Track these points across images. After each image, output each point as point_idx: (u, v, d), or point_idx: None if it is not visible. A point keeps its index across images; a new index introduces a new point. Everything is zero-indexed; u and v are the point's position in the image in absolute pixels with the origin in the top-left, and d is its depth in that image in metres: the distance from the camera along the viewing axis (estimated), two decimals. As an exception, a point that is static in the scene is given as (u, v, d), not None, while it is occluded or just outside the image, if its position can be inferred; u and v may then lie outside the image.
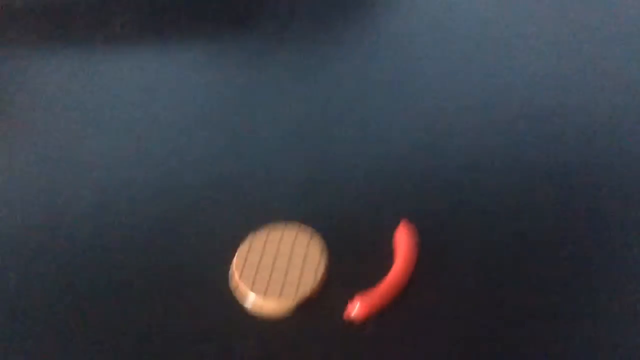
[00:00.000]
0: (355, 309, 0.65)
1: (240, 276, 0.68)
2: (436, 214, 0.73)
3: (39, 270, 0.70)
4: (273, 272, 0.68)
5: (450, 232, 0.71)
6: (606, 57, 0.89)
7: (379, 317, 0.65)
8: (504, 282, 0.67)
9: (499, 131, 0.81)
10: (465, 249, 0.70)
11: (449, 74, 0.89)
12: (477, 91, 0.86)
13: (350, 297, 0.66)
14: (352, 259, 0.70)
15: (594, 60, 0.88)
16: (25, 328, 0.64)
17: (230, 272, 0.69)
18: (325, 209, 0.74)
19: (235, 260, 0.69)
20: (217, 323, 0.66)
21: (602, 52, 0.89)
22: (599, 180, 0.76)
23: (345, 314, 0.65)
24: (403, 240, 0.69)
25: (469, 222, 0.72)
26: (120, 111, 0.86)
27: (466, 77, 0.88)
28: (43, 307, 0.66)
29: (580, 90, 0.85)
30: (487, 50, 0.92)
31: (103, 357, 0.63)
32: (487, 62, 0.90)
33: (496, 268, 0.68)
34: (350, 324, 0.65)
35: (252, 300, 0.67)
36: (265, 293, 0.66)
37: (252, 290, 0.66)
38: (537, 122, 0.82)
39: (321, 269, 0.68)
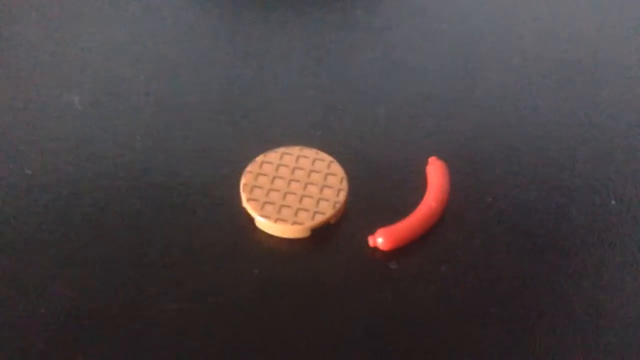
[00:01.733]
0: (380, 240, 0.56)
1: (249, 198, 0.59)
2: (469, 154, 0.65)
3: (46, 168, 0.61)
4: (286, 197, 0.59)
5: (483, 173, 0.63)
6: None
7: (404, 250, 0.57)
8: (538, 223, 0.59)
9: (539, 70, 0.74)
10: (499, 191, 0.62)
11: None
12: (514, 23, 0.79)
13: (374, 227, 0.58)
14: (376, 190, 0.61)
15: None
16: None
17: (240, 192, 0.60)
18: (347, 138, 0.66)
19: (243, 180, 0.60)
20: (226, 242, 0.57)
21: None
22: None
23: (369, 242, 0.57)
24: (436, 174, 0.61)
25: (504, 164, 0.64)
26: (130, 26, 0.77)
27: (502, 6, 0.81)
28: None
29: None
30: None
31: (115, 274, 0.54)
32: None
33: (530, 209, 0.60)
34: (374, 252, 0.57)
35: (262, 225, 0.58)
36: (276, 218, 0.57)
37: (261, 215, 0.58)
38: (579, 63, 0.75)
39: (341, 198, 0.59)
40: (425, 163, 0.63)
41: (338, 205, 0.58)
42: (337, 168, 0.61)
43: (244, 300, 0.54)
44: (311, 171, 0.61)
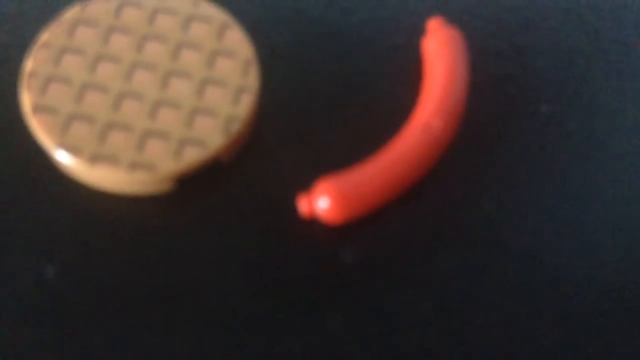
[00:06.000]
0: (324, 202, 0.26)
1: (38, 108, 0.27)
2: (505, 15, 0.34)
3: None
4: (122, 107, 0.27)
5: (531, 54, 0.32)
6: None
7: (373, 224, 0.27)
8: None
9: None
10: (563, 90, 0.31)
11: None
12: None
13: (310, 176, 0.28)
14: (319, 91, 0.30)
15: None
16: None
17: (20, 96, 0.29)
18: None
19: (29, 64, 0.28)
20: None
21: None
22: None
23: (301, 207, 0.27)
24: (441, 56, 0.30)
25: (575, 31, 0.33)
26: None
27: None
28: None
29: None
30: None
31: None
32: None
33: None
34: (308, 227, 0.27)
35: (69, 168, 0.27)
36: (95, 156, 0.26)
37: (62, 146, 0.26)
38: None
39: (244, 108, 0.28)
40: (421, 33, 0.32)
41: (237, 126, 0.27)
42: (238, 40, 0.29)
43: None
44: (180, 47, 0.29)
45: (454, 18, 0.32)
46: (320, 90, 0.30)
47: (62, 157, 0.26)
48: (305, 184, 0.28)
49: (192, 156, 0.26)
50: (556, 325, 0.26)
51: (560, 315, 0.26)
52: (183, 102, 0.28)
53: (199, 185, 0.28)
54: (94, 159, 0.26)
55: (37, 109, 0.27)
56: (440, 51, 0.30)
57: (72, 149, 0.26)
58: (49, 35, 0.28)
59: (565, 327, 0.26)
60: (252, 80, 0.28)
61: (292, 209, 0.27)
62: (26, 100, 0.27)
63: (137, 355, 0.24)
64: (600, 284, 0.27)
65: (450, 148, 0.29)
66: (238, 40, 0.29)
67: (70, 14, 0.29)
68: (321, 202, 0.26)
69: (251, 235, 0.27)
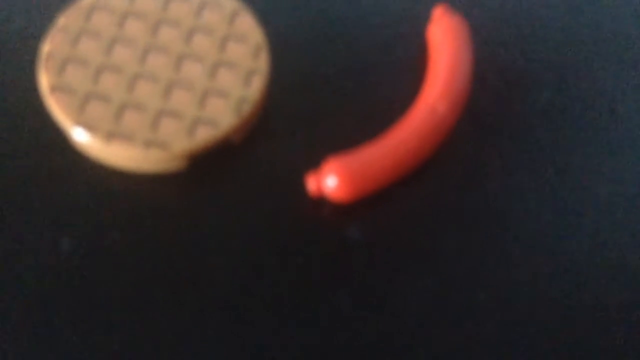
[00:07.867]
0: (332, 181, 0.27)
1: (55, 88, 0.28)
2: (509, 5, 0.34)
3: None
4: (136, 88, 0.28)
5: (536, 40, 0.33)
6: None
7: (378, 203, 0.28)
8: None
9: None
10: (567, 74, 0.32)
11: None
12: None
13: (318, 155, 0.28)
14: (327, 76, 0.31)
15: None
16: None
17: (38, 76, 0.29)
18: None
19: (46, 47, 0.29)
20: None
21: None
22: None
23: (310, 185, 0.28)
24: (446, 43, 0.31)
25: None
26: None
27: None
28: None
29: None
30: None
31: None
32: None
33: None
34: (317, 205, 0.28)
35: (85, 146, 0.28)
36: (111, 134, 0.27)
37: (80, 124, 0.27)
38: None
39: (255, 92, 0.29)
40: (426, 20, 0.33)
41: (248, 107, 0.28)
42: (248, 25, 0.30)
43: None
44: (192, 32, 0.30)
45: (458, 6, 0.33)
46: (328, 74, 0.31)
47: (79, 135, 0.27)
48: (313, 163, 0.29)
49: (205, 135, 0.27)
50: (558, 303, 0.27)
51: (561, 294, 0.27)
52: (195, 84, 0.28)
53: (210, 164, 0.28)
54: (110, 137, 0.27)
55: (55, 89, 0.28)
56: (445, 38, 0.31)
57: (89, 127, 0.27)
58: (67, 19, 0.29)
59: (567, 307, 0.27)
60: (262, 63, 0.29)
61: (301, 188, 0.28)
62: (44, 80, 0.28)
63: (148, 328, 0.25)
64: (600, 267, 0.28)
65: (454, 132, 0.30)
66: (248, 26, 0.30)
67: (84, 1, 0.30)
68: (329, 181, 0.27)
69: (260, 213, 0.28)
